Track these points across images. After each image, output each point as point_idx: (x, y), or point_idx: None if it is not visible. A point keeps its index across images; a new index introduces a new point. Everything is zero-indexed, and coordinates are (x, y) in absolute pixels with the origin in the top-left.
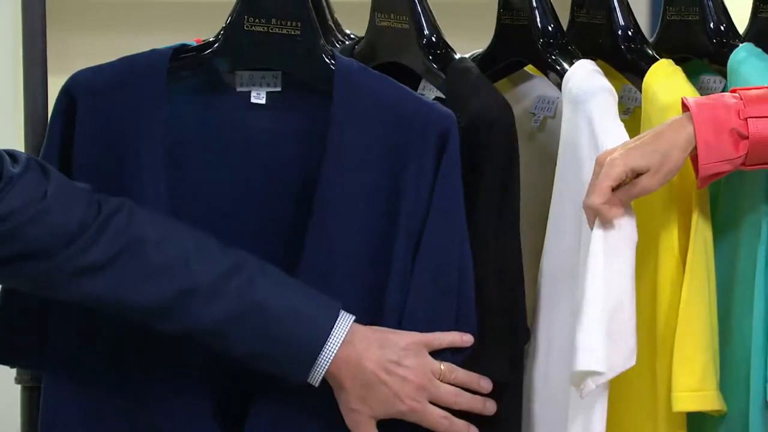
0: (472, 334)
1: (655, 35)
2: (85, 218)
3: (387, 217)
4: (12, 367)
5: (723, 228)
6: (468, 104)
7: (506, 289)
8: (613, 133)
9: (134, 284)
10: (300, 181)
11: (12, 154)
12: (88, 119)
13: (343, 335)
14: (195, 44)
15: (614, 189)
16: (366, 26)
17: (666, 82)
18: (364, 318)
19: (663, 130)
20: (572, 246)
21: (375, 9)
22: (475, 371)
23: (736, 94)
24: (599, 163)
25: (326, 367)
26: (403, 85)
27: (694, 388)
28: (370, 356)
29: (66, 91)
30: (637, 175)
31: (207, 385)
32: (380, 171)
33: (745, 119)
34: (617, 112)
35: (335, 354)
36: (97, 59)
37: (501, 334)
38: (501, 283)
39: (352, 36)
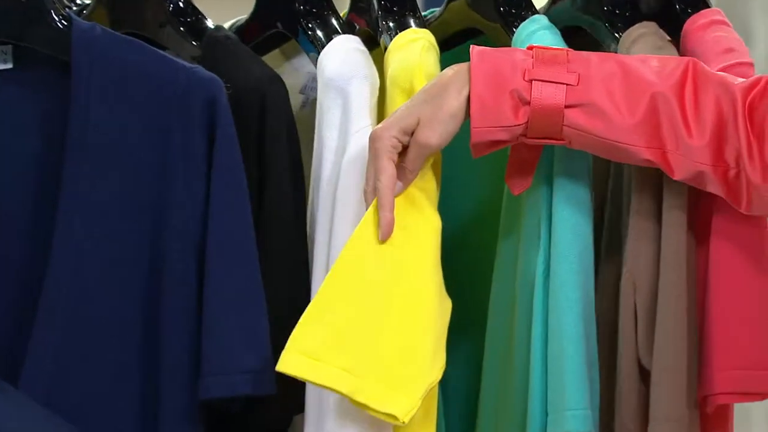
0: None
1: (441, 8)
2: None
3: (150, 209)
4: None
5: (502, 238)
6: (233, 77)
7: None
8: (360, 130)
9: None
10: (42, 175)
11: None
12: None
13: None
14: None
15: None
16: None
17: (403, 53)
18: (132, 337)
19: (439, 78)
20: (326, 240)
21: None
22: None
23: (531, 51)
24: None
25: None
26: (158, 50)
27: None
28: None
29: None
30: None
31: None
32: (137, 156)
33: (530, 81)
34: (372, 103)
35: None
36: None
37: None
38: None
39: (79, 3)
